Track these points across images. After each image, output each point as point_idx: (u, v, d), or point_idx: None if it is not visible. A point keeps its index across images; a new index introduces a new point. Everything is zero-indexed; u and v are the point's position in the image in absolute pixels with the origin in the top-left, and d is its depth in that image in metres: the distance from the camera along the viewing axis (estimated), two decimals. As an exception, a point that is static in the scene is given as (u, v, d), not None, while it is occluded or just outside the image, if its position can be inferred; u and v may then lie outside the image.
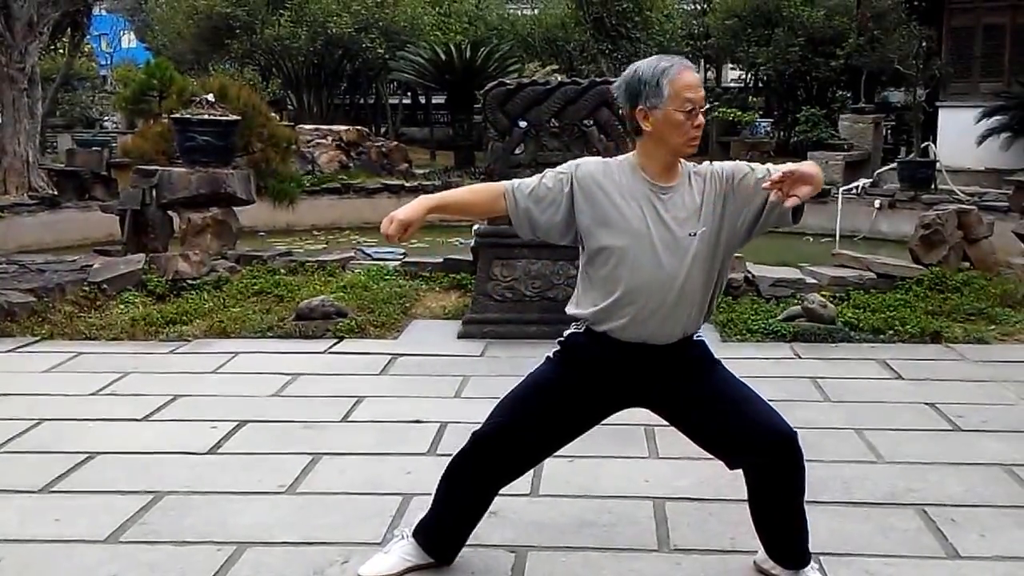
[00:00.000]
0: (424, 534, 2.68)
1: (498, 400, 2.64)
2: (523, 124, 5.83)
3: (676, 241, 2.40)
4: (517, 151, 5.95)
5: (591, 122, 5.95)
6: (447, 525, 2.67)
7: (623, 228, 2.40)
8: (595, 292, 2.47)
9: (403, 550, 2.69)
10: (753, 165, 2.49)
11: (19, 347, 5.41)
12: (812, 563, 2.61)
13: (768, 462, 2.48)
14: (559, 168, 2.50)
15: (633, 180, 2.44)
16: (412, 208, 2.40)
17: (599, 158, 2.56)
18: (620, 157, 2.52)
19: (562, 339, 2.59)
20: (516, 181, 2.52)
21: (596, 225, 2.43)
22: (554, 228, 2.48)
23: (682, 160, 2.48)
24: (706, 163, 2.53)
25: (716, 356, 2.59)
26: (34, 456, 3.68)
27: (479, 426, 2.61)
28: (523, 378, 2.63)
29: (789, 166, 2.32)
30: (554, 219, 2.46)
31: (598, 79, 6.27)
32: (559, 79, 6.86)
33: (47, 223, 11.04)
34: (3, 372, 4.88)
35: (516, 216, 2.48)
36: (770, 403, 2.56)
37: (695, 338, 2.54)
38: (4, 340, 5.51)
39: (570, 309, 2.55)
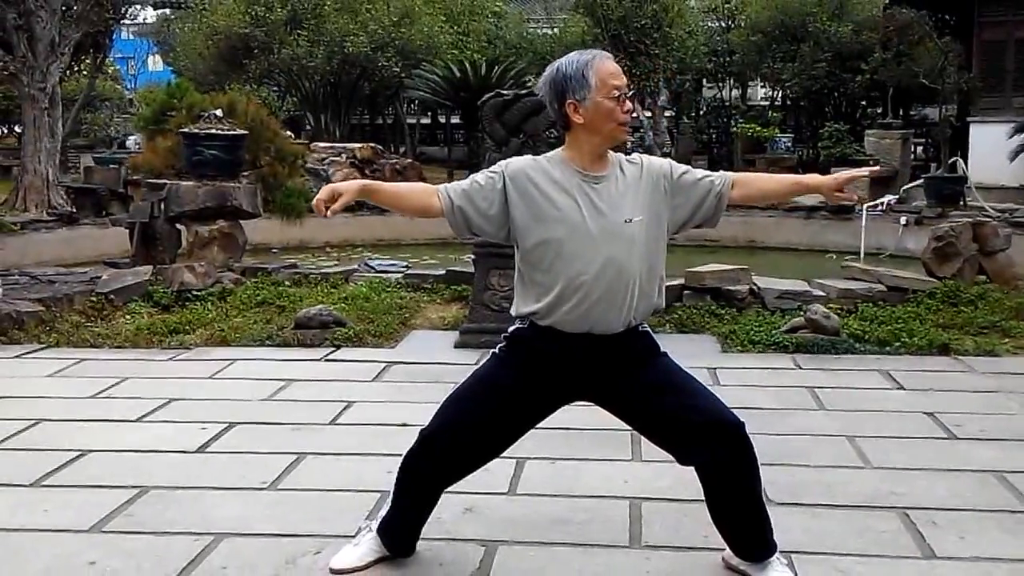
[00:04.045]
0: (382, 529, 2.71)
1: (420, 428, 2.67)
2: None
3: (612, 228, 2.43)
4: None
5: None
6: (400, 520, 2.69)
7: (558, 220, 2.43)
8: (537, 288, 2.49)
9: (370, 543, 2.71)
10: (690, 168, 2.59)
11: (25, 353, 5.50)
12: (777, 554, 2.58)
13: (715, 454, 2.47)
14: (490, 168, 2.54)
15: (565, 172, 2.48)
16: (347, 183, 2.48)
17: (529, 156, 2.58)
18: (549, 153, 2.56)
19: (507, 335, 2.61)
20: (450, 183, 2.56)
21: (531, 220, 2.46)
22: (488, 224, 2.50)
23: (610, 151, 2.52)
24: (638, 154, 2.60)
25: (664, 349, 2.60)
26: (28, 453, 3.74)
27: (425, 425, 2.62)
28: (468, 376, 2.64)
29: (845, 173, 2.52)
30: (488, 214, 2.49)
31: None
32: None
33: (65, 239, 11.21)
34: (7, 377, 4.97)
35: (450, 214, 2.51)
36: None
37: (640, 329, 2.55)
38: (11, 347, 5.60)
39: (514, 310, 2.57)
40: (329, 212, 2.43)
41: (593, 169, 2.48)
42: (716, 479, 2.51)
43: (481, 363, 2.67)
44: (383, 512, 2.73)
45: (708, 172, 2.61)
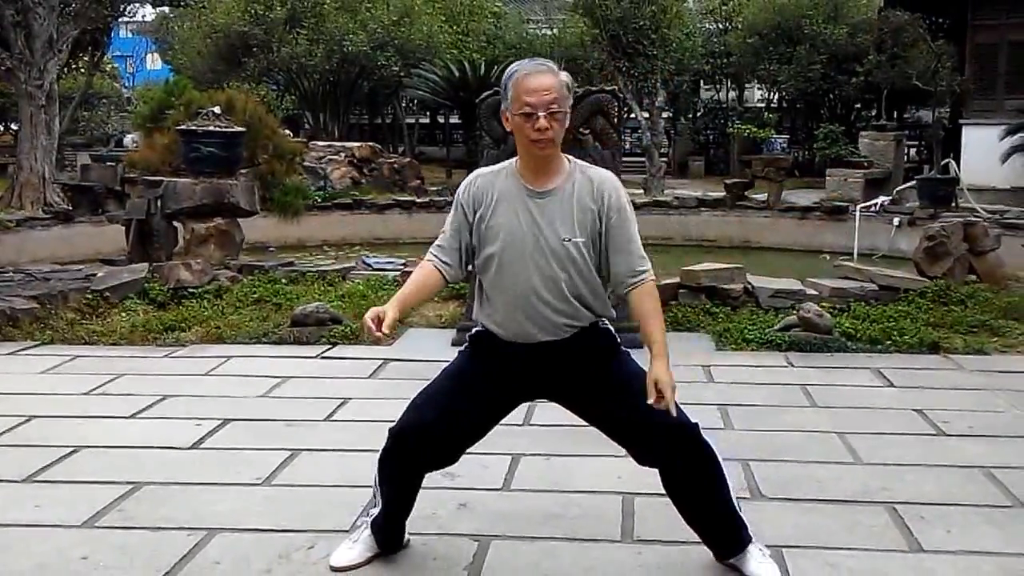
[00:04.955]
0: (372, 527, 2.73)
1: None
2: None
3: (551, 245, 2.44)
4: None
5: (587, 130, 5.99)
6: (383, 517, 2.71)
7: (502, 234, 2.47)
8: (482, 295, 2.55)
9: (367, 539, 2.73)
10: (628, 228, 2.48)
11: (19, 350, 5.50)
12: (757, 545, 2.61)
13: (671, 458, 2.50)
14: (454, 202, 2.58)
15: (513, 185, 2.50)
16: (384, 309, 2.44)
17: (490, 167, 2.60)
18: (506, 162, 2.57)
19: (470, 334, 2.65)
20: (434, 251, 2.58)
21: (482, 234, 2.51)
22: (463, 262, 2.55)
23: (571, 160, 2.51)
24: (604, 174, 2.53)
25: (623, 346, 2.62)
26: (21, 449, 3.75)
27: (394, 422, 2.63)
28: (437, 374, 2.67)
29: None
30: (463, 255, 2.54)
31: (593, 88, 6.31)
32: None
33: (61, 237, 11.22)
34: (1, 373, 4.97)
35: (457, 275, 2.57)
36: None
37: (600, 327, 2.56)
38: (6, 344, 5.60)
39: (473, 315, 2.63)
40: (386, 329, 2.41)
41: (537, 184, 2.48)
42: (675, 481, 2.55)
43: (450, 362, 2.70)
44: (373, 511, 2.75)
45: (634, 262, 2.49)
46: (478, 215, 2.50)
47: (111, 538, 2.90)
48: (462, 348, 2.67)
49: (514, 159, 2.55)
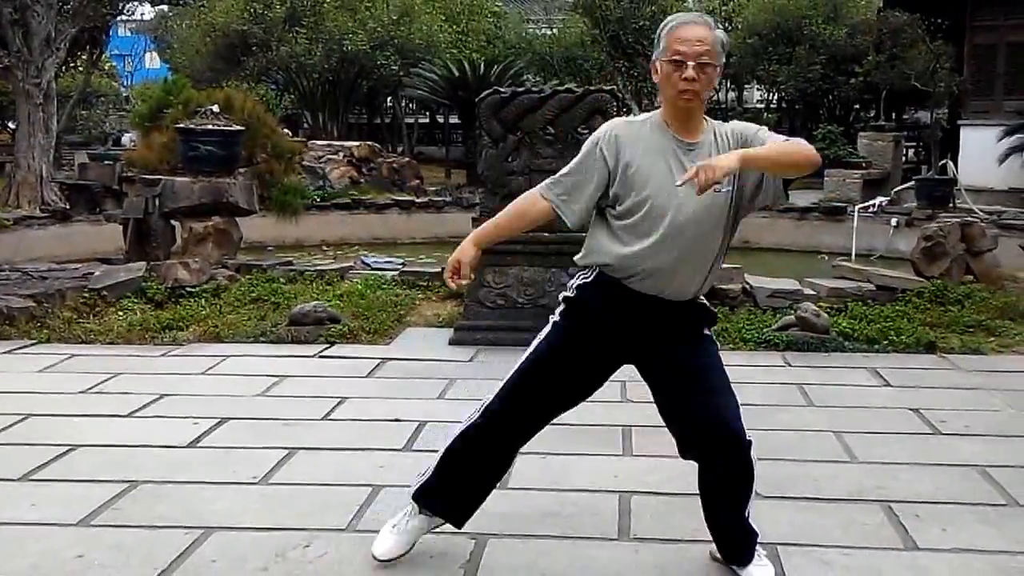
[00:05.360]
0: (439, 501, 2.68)
1: (483, 400, 2.68)
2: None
3: (703, 197, 2.39)
4: (510, 159, 6.00)
5: (586, 130, 5.99)
6: (461, 490, 2.68)
7: (651, 182, 2.43)
8: (617, 243, 2.48)
9: (413, 526, 2.70)
10: (761, 132, 2.49)
11: (15, 349, 5.49)
12: (757, 547, 2.62)
13: (713, 460, 2.51)
14: (587, 143, 2.54)
15: (659, 136, 2.48)
16: (459, 250, 2.51)
17: (625, 118, 2.59)
18: (647, 114, 2.56)
19: (567, 293, 2.60)
20: (547, 187, 2.55)
21: (628, 180, 2.46)
22: (592, 201, 2.51)
23: (706, 118, 2.51)
24: (733, 122, 2.56)
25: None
26: (17, 448, 3.74)
27: (490, 399, 2.63)
28: (529, 349, 2.63)
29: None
30: (590, 194, 2.50)
31: (592, 88, 6.31)
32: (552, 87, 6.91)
33: (59, 236, 11.20)
34: (-2, 372, 4.97)
35: (562, 216, 2.52)
36: (743, 406, 2.57)
37: (701, 303, 2.56)
38: (2, 343, 5.59)
39: (585, 259, 2.56)
40: (463, 280, 2.51)
41: (686, 135, 2.46)
42: (710, 483, 2.56)
43: (541, 334, 2.65)
44: (421, 486, 2.70)
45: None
46: (623, 161, 2.46)
47: (107, 537, 2.89)
48: (555, 317, 2.61)
49: (655, 112, 2.54)
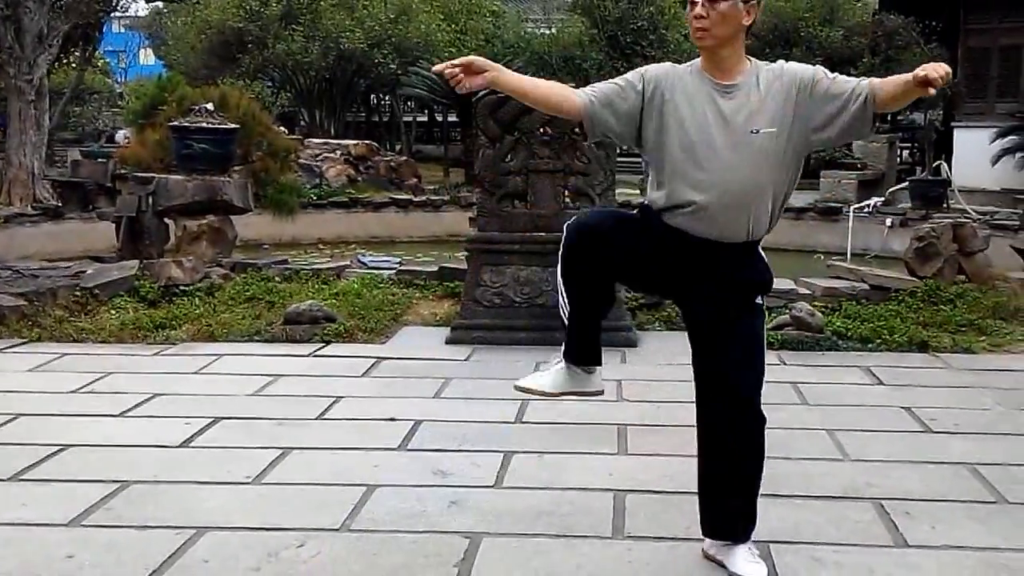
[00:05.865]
0: (566, 347, 2.63)
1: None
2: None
3: (739, 139, 2.39)
4: (507, 159, 5.99)
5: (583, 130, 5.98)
6: (573, 326, 2.59)
7: (686, 127, 2.43)
8: (663, 189, 2.49)
9: (559, 374, 2.66)
10: (829, 76, 2.48)
11: (6, 348, 5.46)
12: (749, 545, 2.61)
13: (716, 417, 2.51)
14: (629, 74, 2.54)
15: (698, 81, 2.47)
16: (483, 60, 2.43)
17: (669, 63, 2.60)
18: (691, 62, 2.56)
19: (642, 204, 2.61)
20: (586, 89, 2.53)
21: (660, 128, 2.45)
22: (622, 127, 2.49)
23: (750, 58, 2.50)
24: (780, 62, 2.54)
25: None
26: (7, 448, 3.72)
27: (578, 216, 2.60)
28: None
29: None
30: (624, 118, 2.47)
31: (588, 88, 6.31)
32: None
33: (50, 233, 11.15)
34: (-13, 371, 4.94)
35: (589, 115, 2.47)
36: (759, 377, 2.57)
37: (757, 247, 2.55)
38: (-6, 342, 5.57)
39: (647, 197, 2.57)
40: (468, 84, 2.39)
41: (723, 78, 2.45)
42: (708, 440, 2.56)
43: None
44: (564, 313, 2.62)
45: (850, 79, 2.49)
46: (662, 92, 2.44)
47: (98, 537, 2.88)
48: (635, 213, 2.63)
49: (695, 60, 2.54)
